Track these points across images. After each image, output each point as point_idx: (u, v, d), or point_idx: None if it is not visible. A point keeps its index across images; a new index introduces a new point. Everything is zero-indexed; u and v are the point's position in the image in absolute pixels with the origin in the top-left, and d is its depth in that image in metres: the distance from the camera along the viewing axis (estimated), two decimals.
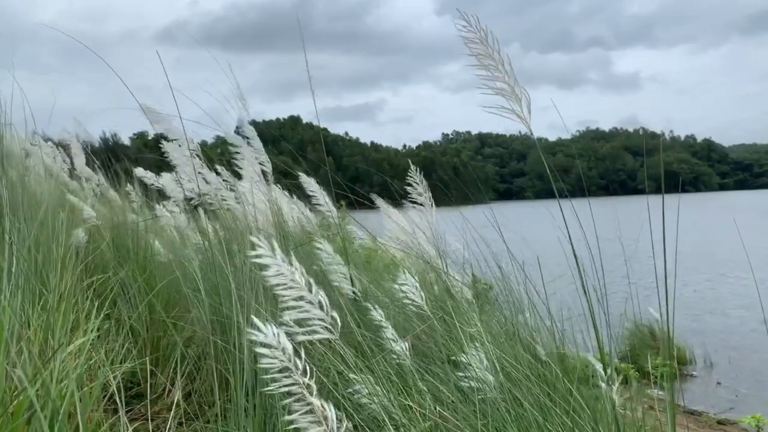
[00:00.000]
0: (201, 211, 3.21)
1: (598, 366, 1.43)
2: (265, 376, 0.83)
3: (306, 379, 0.83)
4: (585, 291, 1.48)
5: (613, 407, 1.32)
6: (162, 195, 3.79)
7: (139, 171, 3.73)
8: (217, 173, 2.96)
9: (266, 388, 0.85)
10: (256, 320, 0.83)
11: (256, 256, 0.93)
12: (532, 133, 1.43)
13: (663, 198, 1.35)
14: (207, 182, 2.82)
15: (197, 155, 2.75)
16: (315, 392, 0.84)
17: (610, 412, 1.37)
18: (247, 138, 2.79)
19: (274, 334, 0.82)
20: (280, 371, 0.82)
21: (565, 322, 2.00)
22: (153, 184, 3.57)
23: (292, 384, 0.82)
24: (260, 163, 2.79)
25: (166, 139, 2.73)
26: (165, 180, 3.45)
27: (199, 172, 2.76)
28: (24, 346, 1.18)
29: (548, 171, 1.46)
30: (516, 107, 1.36)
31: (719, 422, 4.60)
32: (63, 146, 4.85)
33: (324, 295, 1.03)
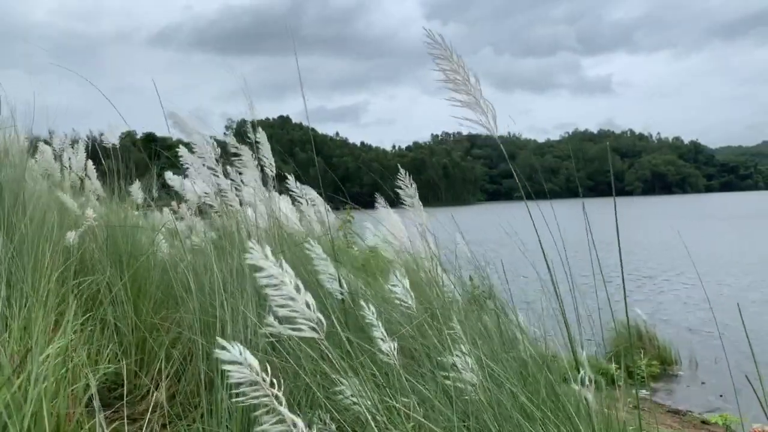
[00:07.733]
0: (203, 212, 3.20)
1: (581, 366, 1.44)
2: (234, 391, 0.84)
3: (275, 391, 0.85)
4: (571, 290, 1.50)
5: (587, 406, 1.33)
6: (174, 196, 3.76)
7: (168, 174, 3.66)
8: (226, 176, 2.95)
9: (235, 400, 0.87)
10: (221, 341, 0.84)
11: (250, 259, 0.95)
12: (508, 138, 1.46)
13: (615, 202, 1.37)
14: (219, 186, 2.82)
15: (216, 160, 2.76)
16: (284, 403, 0.86)
17: (584, 410, 1.38)
18: (258, 143, 2.79)
19: (240, 352, 0.84)
20: (249, 385, 0.84)
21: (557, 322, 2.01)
22: (174, 188, 3.52)
23: (263, 396, 0.84)
24: (264, 166, 2.80)
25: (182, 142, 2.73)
26: (178, 182, 3.41)
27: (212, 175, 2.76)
28: (2, 348, 1.17)
29: (515, 175, 1.49)
30: (482, 118, 1.41)
31: (703, 422, 4.65)
32: (54, 145, 4.82)
33: (310, 297, 1.04)
